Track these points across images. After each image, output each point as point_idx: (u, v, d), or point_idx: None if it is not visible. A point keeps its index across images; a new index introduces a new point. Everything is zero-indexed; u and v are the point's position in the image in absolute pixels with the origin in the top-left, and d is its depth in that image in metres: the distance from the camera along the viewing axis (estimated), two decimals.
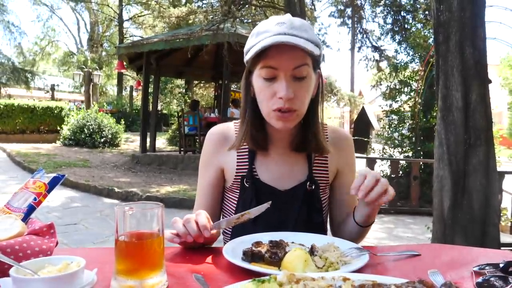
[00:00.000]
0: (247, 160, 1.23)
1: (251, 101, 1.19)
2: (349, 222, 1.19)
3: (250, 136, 1.19)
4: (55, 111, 14.49)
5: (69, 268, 0.74)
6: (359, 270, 0.82)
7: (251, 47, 1.11)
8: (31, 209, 0.95)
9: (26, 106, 14.13)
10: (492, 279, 0.77)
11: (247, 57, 1.14)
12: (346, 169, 1.29)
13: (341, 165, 1.29)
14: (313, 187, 1.22)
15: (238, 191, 1.24)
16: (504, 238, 4.71)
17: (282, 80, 1.09)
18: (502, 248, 3.72)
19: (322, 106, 1.24)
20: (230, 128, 1.29)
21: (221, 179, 1.28)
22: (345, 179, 1.29)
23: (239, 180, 1.23)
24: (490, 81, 3.31)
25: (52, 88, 23.99)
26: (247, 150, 1.24)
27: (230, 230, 1.26)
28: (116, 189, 7.14)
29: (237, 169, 1.24)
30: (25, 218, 0.94)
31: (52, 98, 21.95)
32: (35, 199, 0.96)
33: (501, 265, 0.82)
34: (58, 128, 13.68)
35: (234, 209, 1.25)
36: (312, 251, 0.90)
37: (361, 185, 1.00)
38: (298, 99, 1.10)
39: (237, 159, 1.24)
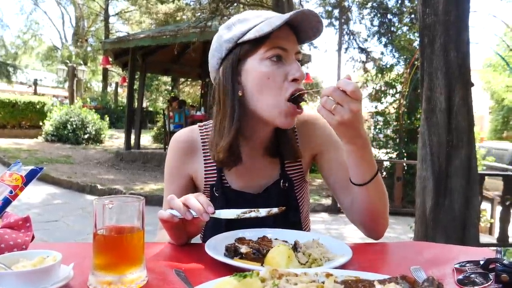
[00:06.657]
0: (215, 167, 1.13)
1: (238, 99, 1.01)
2: (352, 190, 1.03)
3: (229, 147, 1.02)
4: (37, 106, 14.20)
5: (44, 263, 0.72)
6: (342, 267, 0.81)
7: (250, 28, 0.99)
8: (6, 202, 0.92)
9: (7, 101, 13.79)
10: (472, 275, 0.78)
11: (246, 37, 0.99)
12: (326, 146, 1.16)
13: (317, 147, 1.17)
14: (287, 184, 1.14)
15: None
16: (483, 238, 4.81)
17: (293, 62, 0.98)
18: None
19: None
20: (195, 131, 1.17)
21: (192, 187, 1.16)
22: (331, 155, 1.15)
23: (209, 189, 1.14)
24: (472, 84, 3.37)
25: (35, 83, 23.47)
26: None
27: (202, 232, 1.17)
28: (99, 186, 7.04)
29: (205, 177, 1.14)
30: (0, 212, 0.91)
31: (35, 93, 21.48)
32: (11, 192, 0.93)
33: (481, 262, 0.83)
34: (40, 124, 13.40)
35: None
36: (295, 247, 0.90)
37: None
38: None
39: (205, 167, 1.14)
